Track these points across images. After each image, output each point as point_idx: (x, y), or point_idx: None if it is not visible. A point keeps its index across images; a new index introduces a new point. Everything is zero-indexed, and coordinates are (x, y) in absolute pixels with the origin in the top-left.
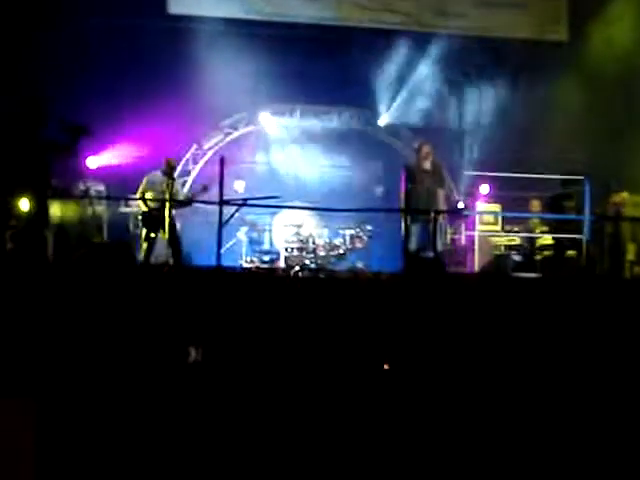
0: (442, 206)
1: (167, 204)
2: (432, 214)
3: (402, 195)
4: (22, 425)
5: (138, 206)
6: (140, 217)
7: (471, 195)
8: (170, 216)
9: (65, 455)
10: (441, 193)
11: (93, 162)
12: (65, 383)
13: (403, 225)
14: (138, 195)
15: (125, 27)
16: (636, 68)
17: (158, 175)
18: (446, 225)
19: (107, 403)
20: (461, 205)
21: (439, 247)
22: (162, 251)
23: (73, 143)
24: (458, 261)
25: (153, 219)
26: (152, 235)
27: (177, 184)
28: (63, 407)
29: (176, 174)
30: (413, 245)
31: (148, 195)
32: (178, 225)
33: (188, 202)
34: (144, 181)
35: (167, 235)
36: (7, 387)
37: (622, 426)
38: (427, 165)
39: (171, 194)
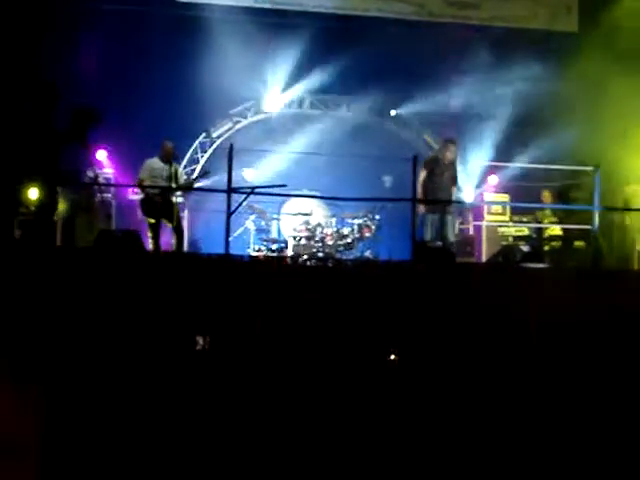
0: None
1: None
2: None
3: (419, 186)
4: (32, 410)
5: (139, 193)
6: (141, 204)
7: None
8: (173, 203)
9: (74, 441)
10: (453, 187)
11: (102, 154)
12: (74, 370)
13: (417, 215)
14: (138, 181)
15: (136, 14)
16: None
17: (157, 161)
18: (456, 216)
19: (115, 390)
20: None
21: (450, 237)
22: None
23: (83, 129)
24: (466, 251)
25: (154, 205)
26: (152, 221)
27: (179, 169)
28: (72, 393)
29: (184, 162)
30: (428, 235)
31: (147, 181)
32: (185, 212)
33: (189, 187)
34: (143, 167)
35: (172, 222)
36: (17, 373)
37: (623, 416)
38: (447, 161)
39: (171, 179)
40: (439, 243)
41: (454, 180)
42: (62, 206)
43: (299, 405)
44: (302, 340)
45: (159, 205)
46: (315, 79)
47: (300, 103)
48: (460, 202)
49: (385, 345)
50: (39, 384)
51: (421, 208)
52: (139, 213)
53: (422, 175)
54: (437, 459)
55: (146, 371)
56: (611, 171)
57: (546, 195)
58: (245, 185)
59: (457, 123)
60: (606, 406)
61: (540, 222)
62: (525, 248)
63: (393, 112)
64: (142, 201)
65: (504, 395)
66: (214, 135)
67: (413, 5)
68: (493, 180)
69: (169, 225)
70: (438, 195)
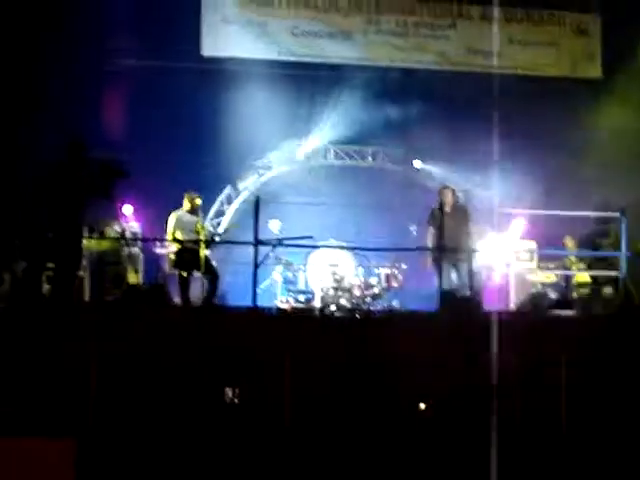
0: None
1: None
2: (462, 254)
3: (428, 242)
4: (63, 465)
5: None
6: (172, 257)
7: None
8: (205, 255)
9: None
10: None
11: (129, 209)
12: (104, 423)
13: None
14: (169, 236)
15: (159, 69)
16: None
17: (184, 213)
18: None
19: (145, 443)
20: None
21: (473, 286)
22: (197, 291)
23: (109, 184)
24: (494, 300)
25: (186, 258)
26: (184, 274)
27: (206, 222)
28: (103, 447)
29: (211, 214)
30: (446, 285)
31: (178, 235)
32: (214, 263)
33: (220, 240)
34: (172, 220)
35: (204, 274)
36: (48, 427)
37: None
38: (448, 208)
39: (201, 232)
40: (467, 293)
41: (464, 226)
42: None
43: (329, 456)
44: (331, 391)
45: (190, 257)
46: (339, 130)
47: (325, 154)
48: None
49: (413, 395)
50: (72, 438)
51: (429, 260)
52: (167, 266)
53: (429, 232)
54: None
55: (176, 424)
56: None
57: (568, 241)
58: (271, 236)
59: (478, 171)
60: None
61: (568, 269)
62: (553, 295)
63: (417, 163)
64: (176, 254)
65: (531, 440)
66: (240, 187)
67: (435, 54)
68: (519, 225)
69: (200, 274)
70: (449, 244)
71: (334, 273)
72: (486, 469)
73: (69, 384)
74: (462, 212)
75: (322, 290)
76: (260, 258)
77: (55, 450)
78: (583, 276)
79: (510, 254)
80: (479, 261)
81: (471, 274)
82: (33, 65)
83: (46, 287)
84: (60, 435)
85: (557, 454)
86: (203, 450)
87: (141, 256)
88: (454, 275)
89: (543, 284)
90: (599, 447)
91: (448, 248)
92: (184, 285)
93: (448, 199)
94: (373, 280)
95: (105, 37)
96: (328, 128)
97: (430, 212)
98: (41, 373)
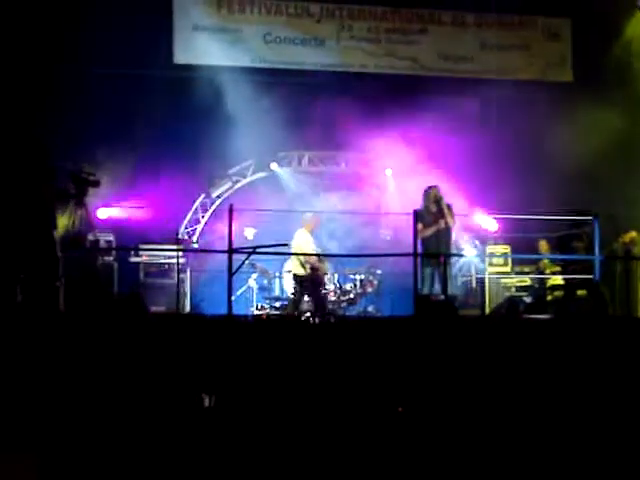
0: (452, 249)
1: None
2: (442, 257)
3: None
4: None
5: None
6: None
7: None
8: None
9: None
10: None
11: (103, 213)
12: (71, 436)
13: (415, 269)
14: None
15: (131, 77)
16: None
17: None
18: (456, 268)
19: (115, 456)
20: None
21: (450, 290)
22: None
23: (81, 192)
24: (469, 303)
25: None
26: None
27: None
28: (67, 462)
29: (185, 221)
30: (426, 289)
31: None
32: (187, 273)
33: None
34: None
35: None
36: (10, 442)
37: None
38: (434, 209)
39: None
40: (442, 296)
41: (447, 230)
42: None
43: (307, 462)
44: (307, 397)
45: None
46: (312, 136)
47: (299, 160)
48: (457, 255)
49: (391, 399)
50: (32, 452)
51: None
52: (141, 275)
53: (419, 227)
54: None
55: (150, 433)
56: (610, 219)
57: (543, 245)
58: (246, 244)
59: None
60: (611, 460)
61: (542, 272)
62: (528, 299)
63: (389, 171)
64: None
65: (506, 446)
66: (214, 195)
67: (408, 60)
68: (493, 226)
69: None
70: (429, 248)
71: None
72: (463, 475)
73: (36, 395)
74: (448, 210)
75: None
76: (235, 266)
77: (18, 465)
78: (557, 279)
79: (484, 256)
80: (455, 264)
81: (448, 278)
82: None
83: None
84: (22, 450)
85: (532, 458)
86: (180, 458)
87: (115, 265)
88: (436, 278)
89: (517, 288)
90: (574, 448)
91: (433, 252)
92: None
93: (435, 198)
94: (348, 286)
95: (76, 45)
96: (301, 134)
97: (416, 213)
98: (9, 384)
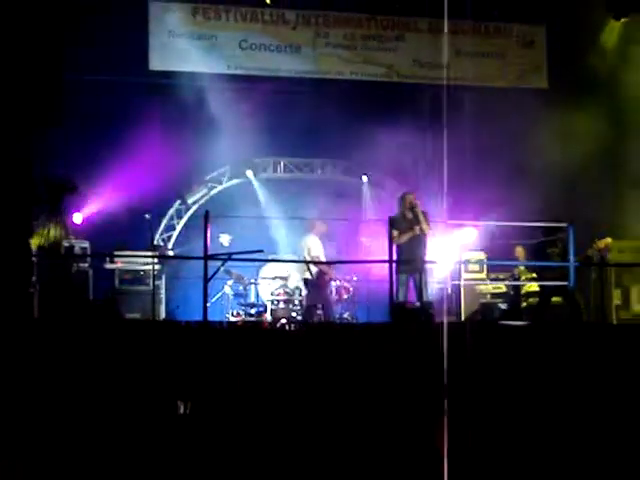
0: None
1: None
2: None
3: (387, 246)
4: None
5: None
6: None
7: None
8: None
9: None
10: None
11: (78, 218)
12: (52, 442)
13: (390, 276)
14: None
15: (106, 83)
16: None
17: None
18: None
19: (93, 458)
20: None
21: (425, 297)
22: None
23: (57, 199)
24: (445, 310)
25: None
26: None
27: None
28: (50, 468)
29: (161, 228)
30: (400, 296)
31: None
32: (162, 280)
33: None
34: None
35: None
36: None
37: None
38: (410, 215)
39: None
40: (417, 304)
41: (423, 236)
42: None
43: (282, 468)
44: (282, 403)
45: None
46: (289, 142)
47: (274, 167)
48: (432, 262)
49: (365, 405)
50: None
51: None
52: (116, 282)
53: (394, 234)
54: None
55: (126, 439)
56: (586, 226)
57: (519, 251)
58: (222, 250)
59: (427, 181)
60: (588, 464)
61: (517, 279)
62: (503, 306)
63: (365, 177)
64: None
65: (487, 449)
66: (190, 201)
67: (383, 67)
68: (470, 235)
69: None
70: (404, 255)
71: (285, 286)
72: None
73: (16, 402)
74: (423, 218)
75: (273, 303)
76: (210, 272)
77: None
78: (532, 286)
79: (460, 264)
80: (430, 271)
81: (423, 285)
82: None
83: None
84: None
85: (507, 463)
86: (154, 464)
87: (90, 272)
88: (411, 285)
89: (493, 294)
90: (549, 451)
91: (407, 259)
92: None
93: (410, 204)
94: None
95: (51, 51)
96: (277, 141)
97: (391, 219)
98: None
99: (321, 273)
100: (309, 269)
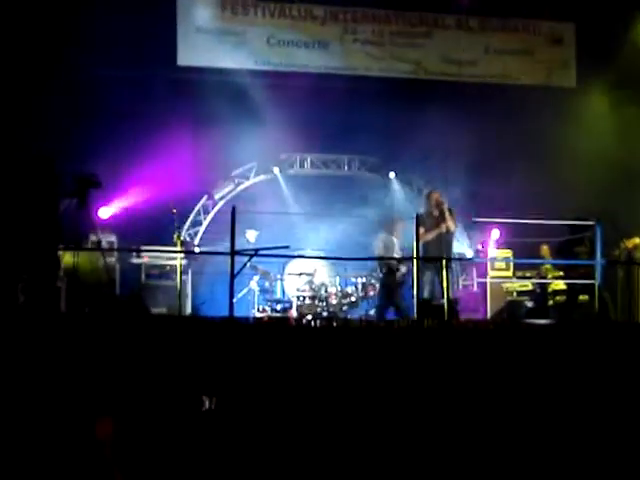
0: (453, 253)
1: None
2: (443, 262)
3: (414, 243)
4: None
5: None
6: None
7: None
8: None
9: None
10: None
11: (105, 212)
12: (77, 435)
13: (415, 273)
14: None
15: (134, 78)
16: None
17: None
18: (457, 272)
19: (121, 453)
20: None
21: (451, 294)
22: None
23: (84, 195)
24: (471, 308)
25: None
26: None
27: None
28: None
29: (187, 223)
30: (426, 293)
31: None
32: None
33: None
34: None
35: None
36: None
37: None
38: (436, 213)
39: None
40: (442, 300)
41: (449, 234)
42: (66, 270)
43: (306, 465)
44: (307, 399)
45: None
46: (316, 139)
47: (302, 163)
48: (461, 259)
49: (390, 403)
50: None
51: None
52: (143, 276)
53: (420, 232)
54: None
55: (152, 433)
56: (613, 224)
57: (545, 250)
58: (248, 246)
59: (456, 180)
60: (612, 465)
61: (544, 277)
62: (529, 304)
63: (392, 174)
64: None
65: (507, 448)
66: (216, 197)
67: (411, 64)
68: (495, 235)
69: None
70: (430, 252)
71: (311, 282)
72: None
73: (36, 396)
74: (449, 215)
75: (299, 299)
76: (237, 268)
77: None
78: (559, 284)
79: (486, 262)
80: (456, 269)
81: (449, 282)
82: (6, 77)
83: (22, 298)
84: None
85: (533, 460)
86: (179, 459)
87: (117, 266)
88: (436, 282)
89: (519, 292)
90: (576, 450)
91: (434, 256)
92: None
93: (437, 202)
94: (350, 289)
95: (79, 47)
96: (305, 137)
97: (417, 217)
98: (13, 385)
99: (396, 270)
100: (394, 269)
